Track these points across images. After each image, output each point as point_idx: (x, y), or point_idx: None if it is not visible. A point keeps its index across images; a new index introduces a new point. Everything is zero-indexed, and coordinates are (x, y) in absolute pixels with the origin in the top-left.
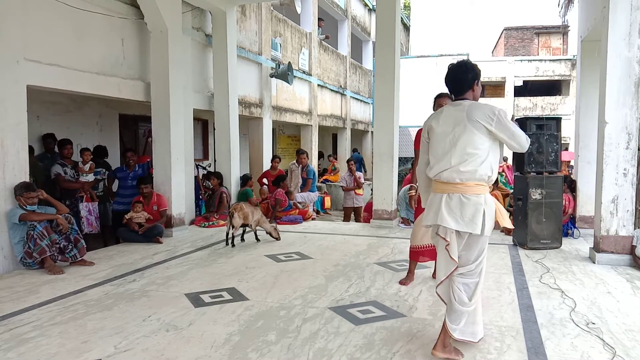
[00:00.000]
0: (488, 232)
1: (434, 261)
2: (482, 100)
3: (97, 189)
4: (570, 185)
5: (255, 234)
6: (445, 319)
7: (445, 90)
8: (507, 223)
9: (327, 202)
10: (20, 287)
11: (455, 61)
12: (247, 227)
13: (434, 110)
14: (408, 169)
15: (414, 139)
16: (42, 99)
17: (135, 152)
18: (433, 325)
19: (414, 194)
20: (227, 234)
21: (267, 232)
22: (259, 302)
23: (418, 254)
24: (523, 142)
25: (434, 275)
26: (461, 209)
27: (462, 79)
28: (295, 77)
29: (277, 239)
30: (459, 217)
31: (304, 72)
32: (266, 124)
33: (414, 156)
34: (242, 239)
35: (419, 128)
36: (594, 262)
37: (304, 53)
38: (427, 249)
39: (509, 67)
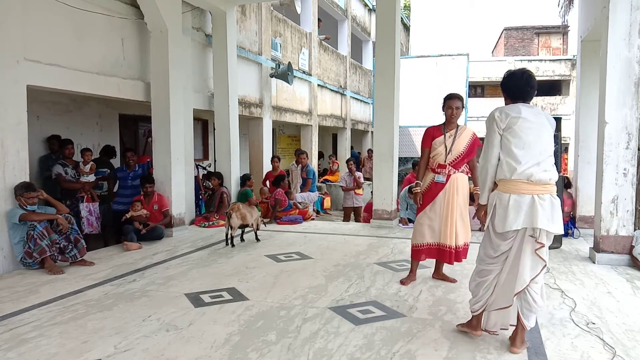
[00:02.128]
0: None
1: (434, 260)
2: (481, 100)
3: (101, 188)
4: (565, 183)
5: (256, 234)
6: (521, 320)
7: (431, 88)
8: None
9: (327, 202)
10: (20, 287)
11: (520, 68)
12: (246, 227)
13: (443, 110)
14: (408, 169)
15: (417, 137)
16: (42, 99)
17: (135, 152)
18: (433, 325)
19: (419, 190)
20: (226, 235)
21: (255, 228)
22: (259, 302)
23: (420, 253)
24: None
25: (434, 276)
26: (552, 209)
27: (535, 88)
28: (295, 77)
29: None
30: (550, 218)
31: (304, 72)
32: (266, 124)
33: (420, 155)
34: (242, 239)
35: (425, 128)
36: (594, 262)
37: (304, 53)
38: (427, 247)
39: (509, 67)
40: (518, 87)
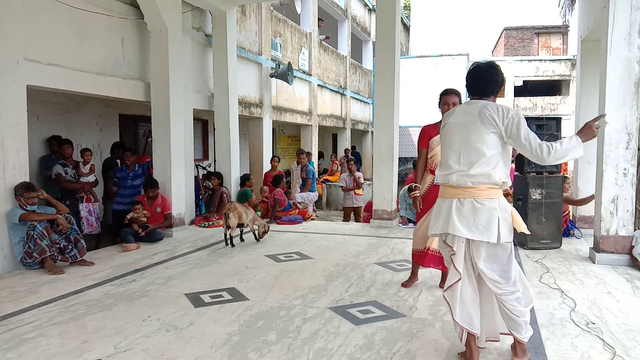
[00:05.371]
0: (506, 238)
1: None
2: None
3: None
4: None
5: (254, 233)
6: (514, 336)
7: (431, 88)
8: (524, 228)
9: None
10: (20, 287)
11: (483, 61)
12: (243, 227)
13: (439, 107)
14: (409, 169)
15: (417, 137)
16: (42, 99)
17: (135, 152)
18: (433, 325)
19: (418, 194)
20: (225, 235)
21: (257, 230)
22: (259, 302)
23: (419, 258)
24: (537, 150)
25: (441, 285)
26: (474, 215)
27: (494, 82)
28: (295, 77)
29: (264, 232)
30: (472, 225)
31: (304, 72)
32: (266, 124)
33: (417, 155)
34: (242, 239)
35: (420, 127)
36: (594, 262)
37: (304, 53)
38: (428, 253)
39: (509, 67)
40: (473, 81)
